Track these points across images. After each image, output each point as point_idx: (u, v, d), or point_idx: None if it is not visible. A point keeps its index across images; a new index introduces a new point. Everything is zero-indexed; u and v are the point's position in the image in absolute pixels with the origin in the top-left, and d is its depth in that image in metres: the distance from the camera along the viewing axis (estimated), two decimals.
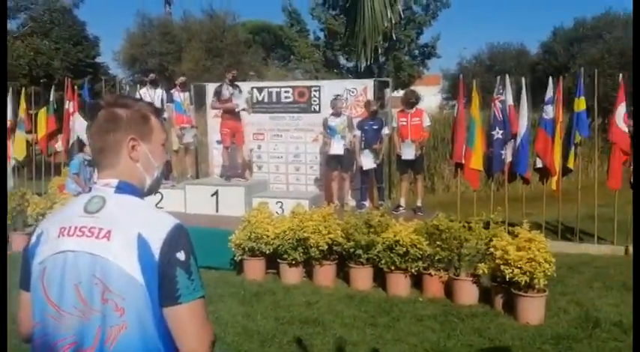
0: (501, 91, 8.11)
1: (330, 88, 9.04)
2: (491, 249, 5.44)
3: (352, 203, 8.38)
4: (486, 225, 5.92)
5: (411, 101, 8.08)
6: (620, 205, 7.88)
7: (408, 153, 7.92)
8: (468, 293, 5.66)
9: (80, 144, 9.68)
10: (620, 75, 8.05)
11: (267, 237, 6.41)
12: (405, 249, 5.84)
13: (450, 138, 9.86)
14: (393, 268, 5.94)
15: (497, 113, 8.03)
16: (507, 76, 8.22)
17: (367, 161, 8.03)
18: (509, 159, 8.03)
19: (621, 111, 7.61)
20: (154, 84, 9.45)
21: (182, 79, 9.72)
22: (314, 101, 9.10)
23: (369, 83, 9.14)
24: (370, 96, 8.80)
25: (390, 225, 6.15)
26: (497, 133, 7.98)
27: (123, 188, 1.46)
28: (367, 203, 8.28)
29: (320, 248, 6.17)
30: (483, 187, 9.27)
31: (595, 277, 6.50)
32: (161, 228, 1.38)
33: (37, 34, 21.68)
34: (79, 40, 23.48)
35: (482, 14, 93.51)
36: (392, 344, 4.68)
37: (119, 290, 1.34)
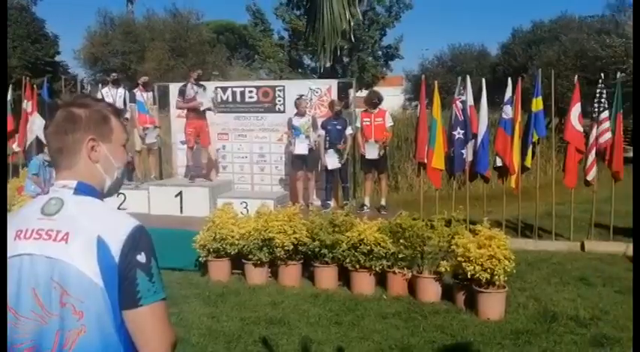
0: (462, 92, 8.27)
1: (294, 87, 9.05)
2: (453, 247, 5.55)
3: (317, 202, 8.40)
4: (448, 223, 6.03)
5: (373, 101, 8.16)
6: (576, 203, 8.13)
7: (372, 152, 7.99)
8: (430, 290, 5.76)
9: (40, 145, 9.43)
10: (576, 76, 8.29)
11: (232, 237, 6.38)
12: (369, 247, 5.90)
13: (413, 138, 10.01)
14: (357, 267, 5.99)
15: (457, 113, 8.19)
16: (468, 77, 8.38)
17: (332, 161, 8.07)
18: (469, 158, 8.19)
19: (576, 111, 7.85)
20: (116, 83, 9.28)
21: (144, 78, 9.58)
22: (278, 101, 9.09)
23: (333, 83, 9.18)
24: (334, 96, 8.84)
25: (354, 224, 6.20)
26: (458, 133, 8.13)
27: (82, 189, 1.44)
28: (332, 202, 8.32)
29: (285, 248, 6.18)
30: (445, 186, 9.43)
31: (553, 273, 6.69)
32: (121, 230, 1.37)
33: None
34: (37, 38, 22.87)
35: (444, 16, 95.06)
36: (357, 342, 4.73)
37: (77, 294, 1.32)
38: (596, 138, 7.72)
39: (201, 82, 8.89)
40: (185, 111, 8.76)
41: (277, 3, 24.17)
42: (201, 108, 8.59)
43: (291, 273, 6.36)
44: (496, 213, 8.39)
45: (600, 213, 8.01)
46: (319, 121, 8.29)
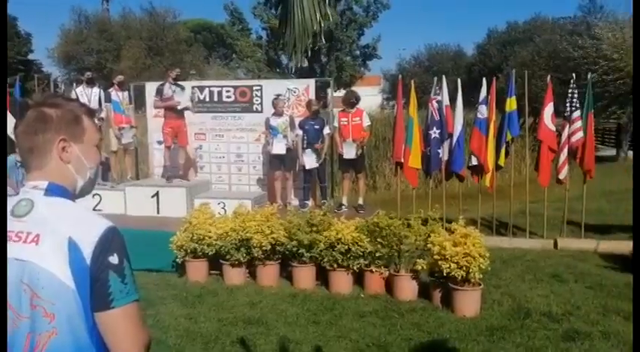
0: (438, 92, 8.35)
1: (271, 87, 9.04)
2: (429, 245, 5.61)
3: (295, 202, 8.42)
4: (425, 222, 6.09)
5: (351, 101, 8.20)
6: (549, 201, 8.29)
7: (350, 152, 8.04)
8: (407, 288, 5.82)
9: (12, 145, 9.24)
10: (549, 76, 8.44)
11: (210, 238, 6.35)
12: (346, 246, 5.93)
13: (390, 137, 10.07)
14: (335, 266, 6.02)
15: (434, 113, 8.27)
16: (444, 77, 8.47)
17: (309, 160, 8.09)
18: (445, 157, 8.29)
19: (549, 111, 7.98)
20: (91, 83, 9.16)
21: (120, 77, 9.48)
22: (256, 101, 9.07)
23: (311, 83, 9.19)
24: (312, 95, 8.85)
25: (332, 224, 6.22)
26: (435, 133, 8.21)
27: (53, 190, 1.42)
28: (310, 202, 8.34)
29: (263, 248, 6.17)
30: (422, 185, 9.52)
31: (527, 270, 6.80)
32: (93, 231, 1.35)
33: None
34: (9, 36, 22.43)
35: (422, 16, 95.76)
36: (334, 341, 4.75)
37: (48, 296, 1.31)
38: (568, 138, 7.86)
39: (179, 82, 8.83)
40: (163, 110, 8.69)
41: (255, 2, 24.14)
42: (179, 108, 8.53)
43: (269, 273, 6.36)
44: (472, 211, 8.50)
45: (572, 211, 8.17)
46: (297, 121, 8.30)
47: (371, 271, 5.99)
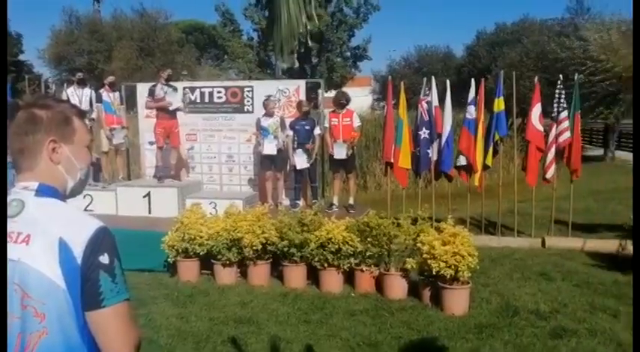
0: (427, 93, 8.42)
1: (262, 88, 9.07)
2: (419, 245, 5.66)
3: (286, 202, 8.45)
4: (414, 222, 6.15)
5: (341, 102, 8.24)
6: (537, 200, 8.37)
7: (340, 152, 8.08)
8: (397, 287, 5.87)
9: None
10: (536, 77, 8.52)
11: (201, 237, 6.37)
12: (337, 246, 5.97)
13: (380, 137, 10.13)
14: (325, 265, 6.06)
15: (423, 114, 8.33)
16: (433, 78, 8.54)
17: (300, 161, 8.13)
18: (435, 157, 8.35)
19: (537, 111, 8.07)
20: (82, 83, 9.14)
21: (111, 78, 9.46)
22: (247, 101, 9.10)
23: (301, 84, 9.23)
24: (302, 96, 8.89)
25: (322, 224, 6.27)
26: (424, 133, 8.28)
27: (43, 191, 1.43)
28: (301, 202, 8.38)
29: (254, 248, 6.20)
30: (412, 185, 9.59)
31: (515, 268, 6.87)
32: (83, 231, 1.36)
33: None
34: None
35: (412, 17, 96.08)
36: (325, 340, 4.79)
37: (39, 296, 1.32)
38: (556, 138, 7.95)
39: (171, 82, 8.84)
40: (155, 111, 8.70)
41: (246, 3, 24.15)
42: (171, 108, 8.55)
43: (260, 273, 6.39)
44: (461, 210, 8.58)
45: (560, 210, 8.26)
46: (287, 122, 8.33)
47: (361, 270, 6.04)
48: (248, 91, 9.13)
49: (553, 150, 7.98)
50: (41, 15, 63.71)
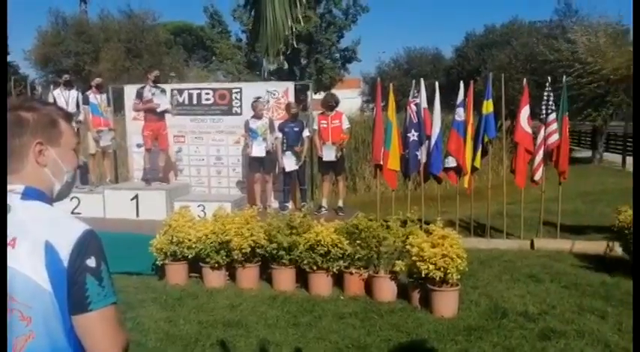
0: (416, 95, 8.44)
1: (251, 90, 9.05)
2: (408, 247, 5.66)
3: (275, 205, 8.42)
4: (403, 224, 6.15)
5: (330, 104, 8.24)
6: (526, 202, 8.42)
7: (329, 154, 8.07)
8: (386, 290, 5.86)
9: None
10: (524, 79, 8.57)
11: (189, 240, 6.33)
12: (326, 248, 5.96)
13: (370, 140, 10.14)
14: (314, 268, 6.04)
15: (412, 116, 8.35)
16: (422, 80, 8.56)
17: (289, 163, 8.11)
18: (424, 160, 8.37)
19: (525, 113, 8.11)
20: (69, 85, 9.06)
21: (98, 80, 9.38)
22: (235, 103, 9.07)
23: (290, 85, 9.22)
24: (291, 98, 8.88)
25: (311, 226, 6.25)
26: (413, 135, 8.29)
27: (29, 194, 1.42)
28: (290, 204, 8.36)
29: (243, 250, 6.17)
30: (401, 187, 9.59)
31: (504, 270, 6.89)
32: (70, 235, 1.35)
33: None
34: None
35: (401, 19, 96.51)
36: (314, 343, 4.77)
37: (25, 299, 1.31)
38: (544, 140, 8.00)
39: (159, 84, 8.78)
40: (142, 113, 8.64)
41: (234, 5, 24.10)
42: (158, 110, 8.49)
43: (248, 276, 6.36)
44: (450, 213, 8.60)
45: (549, 212, 8.31)
46: (276, 124, 8.32)
47: (350, 273, 6.03)
48: (236, 93, 9.10)
49: (541, 152, 8.03)
50: (27, 16, 63.06)
